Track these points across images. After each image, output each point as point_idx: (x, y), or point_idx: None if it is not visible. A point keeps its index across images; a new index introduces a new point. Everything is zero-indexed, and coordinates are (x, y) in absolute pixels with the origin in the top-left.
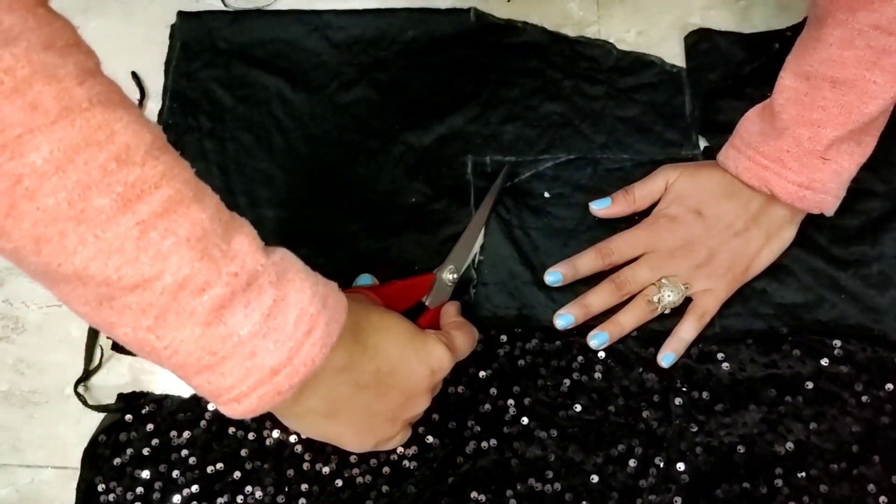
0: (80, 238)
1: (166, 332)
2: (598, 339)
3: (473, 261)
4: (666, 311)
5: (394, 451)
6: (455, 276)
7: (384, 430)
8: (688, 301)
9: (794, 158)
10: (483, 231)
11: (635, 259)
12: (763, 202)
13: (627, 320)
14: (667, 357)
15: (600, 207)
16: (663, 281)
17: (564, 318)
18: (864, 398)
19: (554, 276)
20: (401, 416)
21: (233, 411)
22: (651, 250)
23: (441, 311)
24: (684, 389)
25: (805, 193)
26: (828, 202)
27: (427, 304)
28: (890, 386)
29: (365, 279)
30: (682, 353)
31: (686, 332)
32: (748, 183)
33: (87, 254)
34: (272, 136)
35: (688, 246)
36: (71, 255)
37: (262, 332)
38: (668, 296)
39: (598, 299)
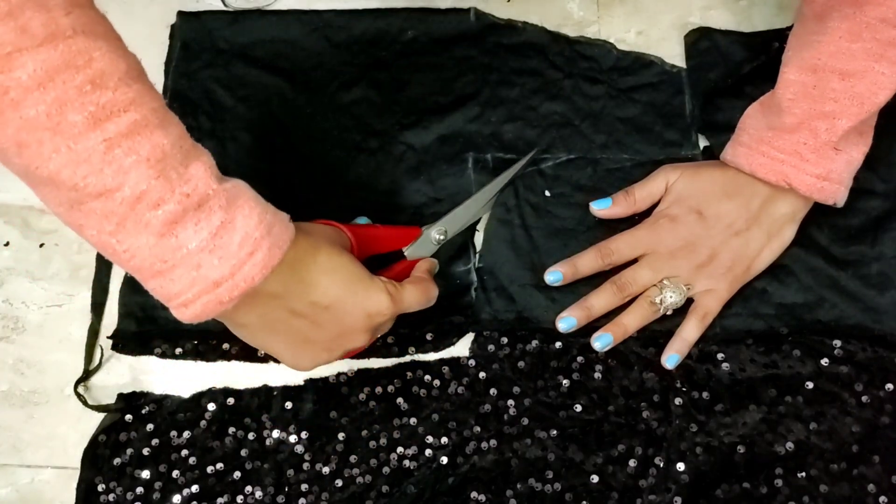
0: (55, 147)
1: (125, 237)
2: (601, 342)
3: (473, 253)
4: (668, 312)
5: (394, 450)
6: (442, 237)
7: (320, 356)
8: (689, 302)
9: (811, 151)
10: (489, 205)
11: (635, 260)
12: (764, 200)
13: (630, 322)
14: (671, 358)
15: (601, 208)
16: (665, 282)
17: (567, 322)
18: (864, 398)
19: (554, 275)
20: (336, 348)
21: (182, 315)
22: (652, 251)
23: (415, 265)
24: (684, 390)
25: (823, 185)
26: (841, 192)
27: (406, 254)
28: (890, 386)
29: (361, 220)
30: (686, 354)
31: (689, 332)
32: (764, 178)
33: (60, 161)
34: (272, 136)
35: (689, 246)
36: (46, 161)
37: (208, 248)
38: (670, 297)
39: (599, 301)
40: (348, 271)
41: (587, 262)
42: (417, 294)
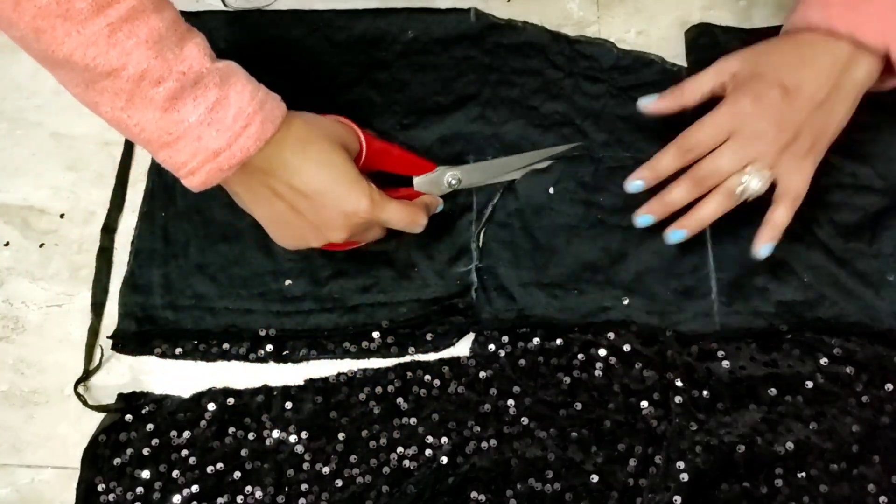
0: (66, 32)
1: (134, 112)
2: (675, 236)
3: (474, 255)
4: (749, 200)
5: (394, 450)
6: (455, 182)
7: (299, 241)
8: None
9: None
10: (511, 175)
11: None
12: (843, 66)
13: (707, 214)
14: (765, 247)
15: (648, 102)
16: (748, 168)
17: (644, 218)
18: (864, 398)
19: (634, 184)
20: (315, 237)
21: (191, 183)
22: (734, 135)
23: (418, 197)
24: (684, 388)
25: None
26: None
27: (414, 183)
28: (890, 386)
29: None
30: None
31: (781, 217)
32: (862, 39)
33: (72, 44)
34: None
35: (776, 126)
36: (60, 45)
37: (206, 122)
38: (755, 184)
39: (678, 195)
40: (335, 167)
41: (666, 162)
42: (401, 212)
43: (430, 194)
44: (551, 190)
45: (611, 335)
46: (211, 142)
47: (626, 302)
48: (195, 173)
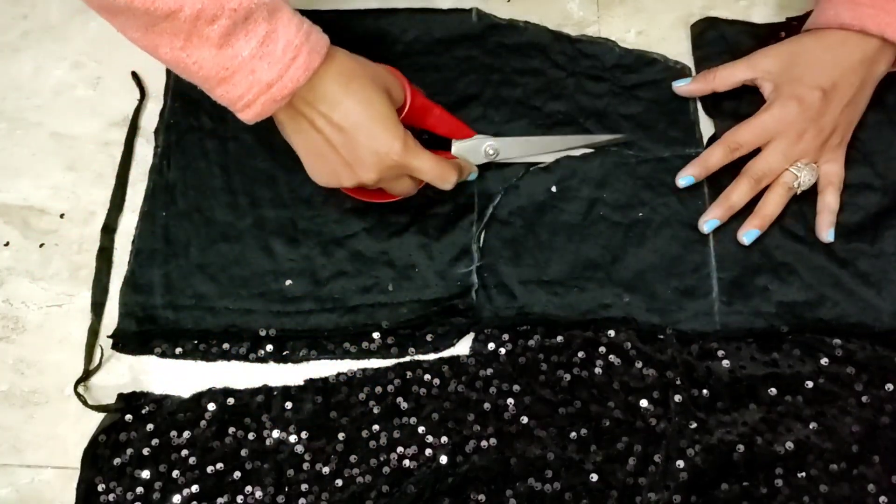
0: None
1: (192, 51)
2: (749, 237)
3: (475, 256)
4: (802, 191)
5: (394, 450)
6: (492, 152)
7: (331, 177)
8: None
9: None
10: (547, 155)
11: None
12: (869, 63)
13: (772, 209)
14: (830, 232)
15: (682, 84)
16: (798, 164)
17: (710, 223)
18: (864, 398)
19: (686, 178)
20: (346, 175)
21: (247, 115)
22: (779, 135)
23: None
24: (684, 386)
25: None
26: None
27: (452, 147)
28: (890, 386)
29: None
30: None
31: (833, 202)
32: (892, 38)
33: None
34: (274, 136)
35: (817, 125)
36: None
37: (258, 55)
38: (807, 177)
39: (738, 196)
40: (373, 105)
41: (716, 157)
42: (433, 164)
43: (464, 159)
44: (553, 188)
45: (611, 333)
46: (264, 74)
47: (626, 300)
48: (251, 106)
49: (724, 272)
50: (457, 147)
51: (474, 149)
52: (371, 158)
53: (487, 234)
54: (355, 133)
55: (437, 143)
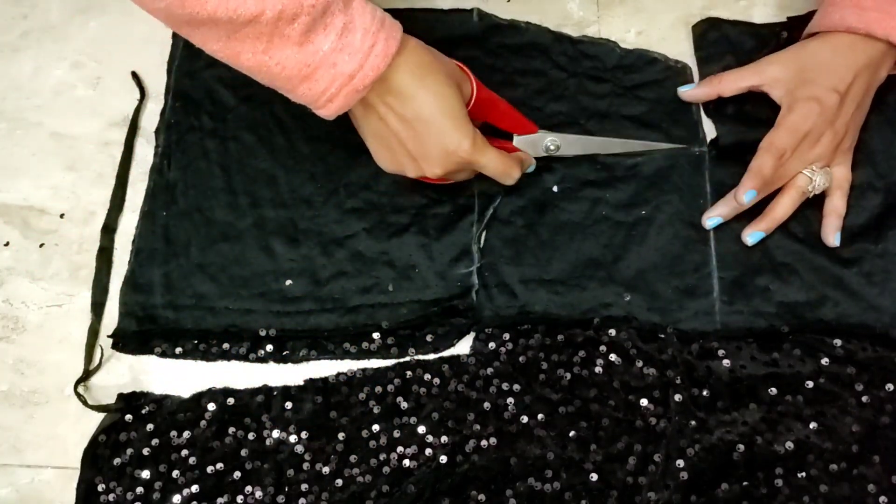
0: None
1: (274, 53)
2: (753, 238)
3: (476, 256)
4: (815, 194)
5: (394, 450)
6: (553, 147)
7: (397, 166)
8: None
9: None
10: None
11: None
12: (875, 67)
13: (782, 212)
14: (837, 237)
15: (686, 89)
16: (813, 167)
17: (713, 220)
18: (864, 398)
19: (749, 195)
20: (411, 167)
21: (328, 110)
22: (801, 137)
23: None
24: (684, 386)
25: None
26: None
27: (514, 141)
28: (890, 386)
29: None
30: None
31: (840, 206)
32: (883, 36)
33: (214, 2)
34: (274, 136)
35: (832, 128)
36: (203, 4)
37: (338, 48)
38: (821, 181)
39: (747, 197)
40: (446, 101)
41: (768, 167)
42: (498, 161)
43: (524, 152)
44: (555, 188)
45: (612, 332)
46: (345, 66)
47: (627, 299)
48: (333, 100)
49: (725, 272)
50: (518, 141)
51: (535, 144)
52: (439, 154)
53: (488, 234)
54: (426, 129)
55: (496, 134)
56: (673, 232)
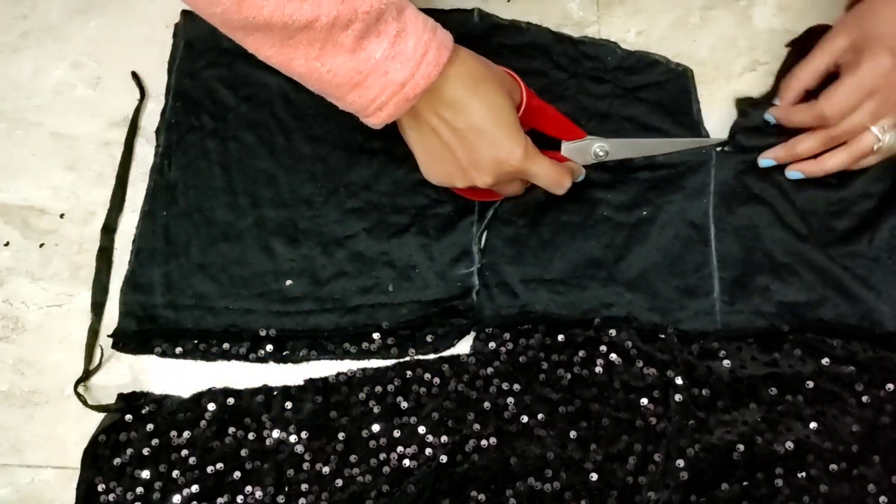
0: None
1: (327, 59)
2: (793, 175)
3: (476, 257)
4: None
5: (394, 449)
6: (602, 154)
7: (446, 177)
8: None
9: None
10: (656, 155)
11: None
12: None
13: (835, 164)
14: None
15: (773, 115)
16: (884, 124)
17: (766, 161)
18: (864, 398)
19: (766, 161)
20: (461, 177)
21: (378, 119)
22: (871, 93)
23: (563, 160)
24: (684, 385)
25: None
26: None
27: (562, 148)
28: (890, 386)
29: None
30: None
31: (867, 159)
32: None
33: (270, 7)
34: (274, 136)
35: None
36: (261, 9)
37: (391, 55)
38: (892, 140)
39: (806, 148)
40: (499, 110)
41: (808, 144)
42: (550, 170)
43: (574, 162)
44: None
45: (612, 332)
46: (397, 74)
47: (627, 298)
48: (383, 108)
49: (725, 272)
50: (566, 148)
51: (584, 150)
52: (490, 164)
53: (490, 233)
54: (478, 139)
55: (544, 142)
56: (674, 232)
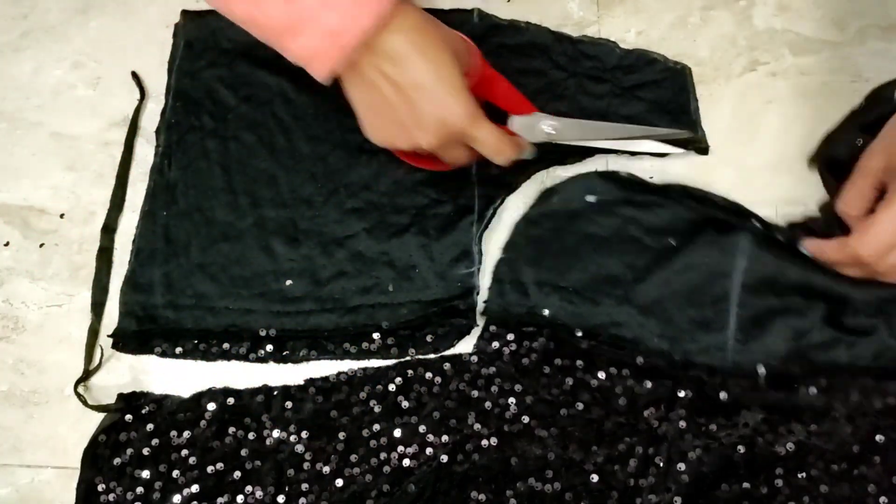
0: None
1: (263, 3)
2: (805, 249)
3: (476, 258)
4: None
5: (394, 449)
6: (551, 131)
7: (388, 136)
8: None
9: None
10: (606, 143)
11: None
12: None
13: (849, 272)
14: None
15: (808, 248)
16: None
17: (803, 247)
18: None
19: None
20: (403, 137)
21: (317, 71)
22: None
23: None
24: (689, 398)
25: None
26: None
27: (509, 121)
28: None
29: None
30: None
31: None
32: None
33: None
34: (275, 136)
35: None
36: None
37: (324, 2)
38: None
39: (849, 273)
40: (443, 67)
41: (850, 272)
42: (494, 136)
43: (523, 139)
44: (591, 198)
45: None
46: (330, 21)
47: (639, 321)
48: (321, 58)
49: (744, 309)
50: (515, 122)
51: (531, 126)
52: (432, 123)
53: (514, 231)
54: (420, 96)
55: (495, 117)
56: (698, 261)
